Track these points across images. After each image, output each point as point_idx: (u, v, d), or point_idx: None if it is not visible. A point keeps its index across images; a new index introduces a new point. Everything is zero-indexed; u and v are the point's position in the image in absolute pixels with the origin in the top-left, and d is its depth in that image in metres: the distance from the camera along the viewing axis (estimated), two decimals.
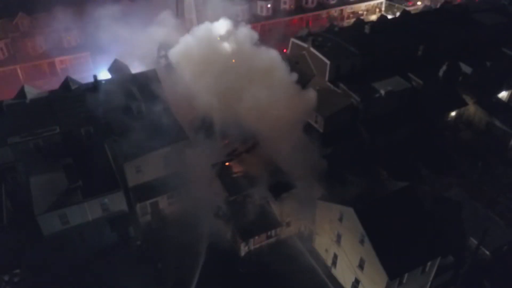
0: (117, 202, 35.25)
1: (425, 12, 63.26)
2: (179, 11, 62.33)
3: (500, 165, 43.43)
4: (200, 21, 55.67)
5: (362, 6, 77.90)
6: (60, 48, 58.82)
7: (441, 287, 34.35)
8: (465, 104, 49.06)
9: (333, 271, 35.45)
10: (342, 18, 76.26)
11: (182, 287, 33.26)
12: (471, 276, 33.99)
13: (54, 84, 44.91)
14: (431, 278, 32.70)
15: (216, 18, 47.73)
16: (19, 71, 56.81)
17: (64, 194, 33.52)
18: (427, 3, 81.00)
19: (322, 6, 74.37)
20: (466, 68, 49.49)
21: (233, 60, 43.17)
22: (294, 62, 45.93)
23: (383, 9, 79.78)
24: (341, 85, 44.20)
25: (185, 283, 33.29)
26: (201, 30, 46.54)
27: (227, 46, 45.12)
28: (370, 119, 43.23)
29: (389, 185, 33.53)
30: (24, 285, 31.83)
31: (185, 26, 55.97)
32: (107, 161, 36.11)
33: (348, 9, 76.71)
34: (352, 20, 70.18)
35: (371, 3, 78.38)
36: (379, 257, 28.94)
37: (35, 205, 32.53)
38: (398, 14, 69.76)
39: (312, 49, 46.66)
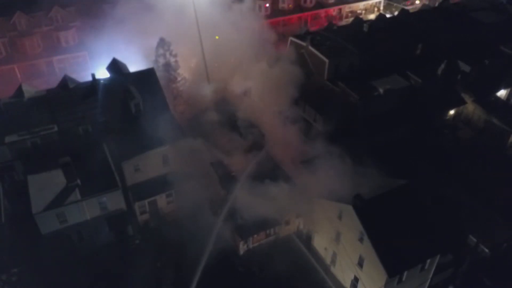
0: (115, 201, 35.16)
1: (424, 11, 63.10)
2: None
3: (499, 163, 43.45)
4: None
5: (361, 5, 77.75)
6: (58, 47, 58.59)
7: (440, 285, 34.34)
8: (463, 102, 49.12)
9: (332, 269, 35.37)
10: (341, 17, 76.17)
11: (182, 286, 33.12)
12: (470, 274, 33.96)
13: (52, 83, 44.56)
14: (430, 276, 32.67)
15: None
16: (16, 70, 56.45)
17: (62, 193, 33.38)
18: (426, 2, 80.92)
19: (320, 5, 74.29)
20: (465, 67, 49.53)
21: (217, 37, 43.42)
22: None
23: (381, 8, 79.72)
24: (340, 83, 44.16)
25: (185, 282, 33.14)
26: None
27: None
28: (369, 118, 43.19)
29: (388, 183, 33.45)
30: (22, 284, 31.66)
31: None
32: (105, 159, 35.95)
33: (346, 8, 76.58)
34: (351, 19, 70.11)
35: (370, 2, 78.21)
36: (378, 255, 28.89)
37: (33, 203, 32.40)
38: (396, 13, 69.71)
39: (310, 48, 46.58)
